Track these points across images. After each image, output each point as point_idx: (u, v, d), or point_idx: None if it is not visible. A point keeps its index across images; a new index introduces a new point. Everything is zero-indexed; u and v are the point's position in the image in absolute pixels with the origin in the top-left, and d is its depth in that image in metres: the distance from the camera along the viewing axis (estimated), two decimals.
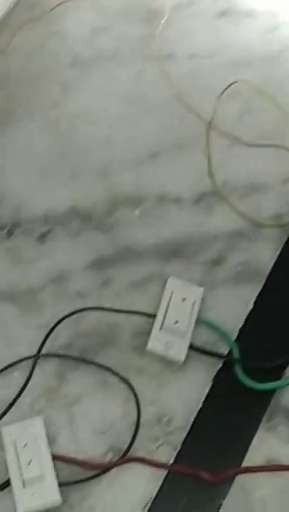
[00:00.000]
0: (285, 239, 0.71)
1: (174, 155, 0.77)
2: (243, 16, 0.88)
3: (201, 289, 0.66)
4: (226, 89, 0.78)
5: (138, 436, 0.61)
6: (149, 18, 0.88)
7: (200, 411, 0.62)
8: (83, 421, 0.62)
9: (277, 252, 0.70)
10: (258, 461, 0.60)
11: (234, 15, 0.88)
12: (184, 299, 0.64)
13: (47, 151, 0.78)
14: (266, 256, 0.70)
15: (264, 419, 0.61)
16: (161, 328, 0.63)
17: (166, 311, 0.63)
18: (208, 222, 0.72)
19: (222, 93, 0.78)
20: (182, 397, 0.62)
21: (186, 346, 0.62)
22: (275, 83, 0.81)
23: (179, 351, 0.62)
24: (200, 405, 0.62)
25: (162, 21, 0.87)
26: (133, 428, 0.61)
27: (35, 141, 0.78)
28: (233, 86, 0.80)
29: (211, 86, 0.81)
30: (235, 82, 0.79)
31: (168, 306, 0.64)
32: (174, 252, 0.70)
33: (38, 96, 0.82)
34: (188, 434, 0.61)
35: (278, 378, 0.63)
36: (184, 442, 0.60)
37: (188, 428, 0.61)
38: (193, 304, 0.64)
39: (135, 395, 0.62)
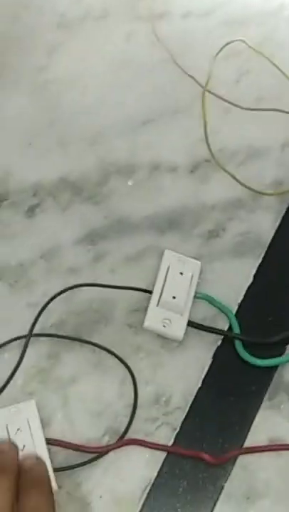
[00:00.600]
0: (285, 208, 0.68)
1: (168, 121, 0.73)
2: None
3: (198, 263, 0.63)
4: (221, 49, 0.74)
5: (135, 418, 0.58)
6: None
7: (199, 390, 0.59)
8: (78, 403, 0.59)
9: (278, 223, 0.67)
10: (260, 441, 0.57)
11: None
12: (181, 273, 0.61)
13: (34, 118, 0.73)
14: (266, 226, 0.67)
15: (266, 397, 0.59)
16: (158, 304, 0.60)
17: (163, 286, 0.60)
18: (204, 191, 0.69)
19: (217, 54, 0.74)
20: (181, 375, 0.60)
21: (185, 323, 0.60)
22: (275, 43, 0.77)
23: (177, 328, 0.59)
24: (199, 384, 0.60)
25: None
26: (130, 409, 0.58)
27: (21, 108, 0.74)
28: (229, 46, 0.76)
29: (206, 47, 0.76)
30: (231, 41, 0.75)
31: (165, 281, 0.61)
32: (170, 223, 0.67)
33: (23, 60, 0.78)
34: (187, 414, 0.58)
35: (280, 354, 0.60)
36: (183, 423, 0.58)
37: (187, 408, 0.59)
38: (192, 278, 0.61)
39: (132, 375, 0.59)
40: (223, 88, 0.73)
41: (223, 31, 0.78)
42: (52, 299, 0.61)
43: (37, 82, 0.77)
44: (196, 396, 0.59)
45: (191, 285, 0.61)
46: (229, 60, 0.76)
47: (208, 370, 0.60)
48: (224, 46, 0.75)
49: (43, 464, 0.53)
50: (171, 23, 0.79)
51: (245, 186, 0.68)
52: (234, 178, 0.68)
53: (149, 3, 0.80)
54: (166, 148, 0.71)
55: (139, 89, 0.75)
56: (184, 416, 0.58)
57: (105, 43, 0.79)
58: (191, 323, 0.60)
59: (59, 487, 0.55)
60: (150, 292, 0.61)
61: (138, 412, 0.59)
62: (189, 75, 0.73)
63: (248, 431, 0.58)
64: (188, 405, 0.59)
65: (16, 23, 0.80)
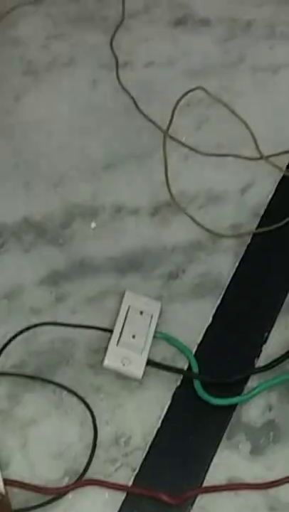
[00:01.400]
0: (243, 250, 0.70)
1: (131, 165, 0.75)
2: (200, 25, 0.87)
3: (158, 303, 0.64)
4: (182, 97, 0.77)
5: (95, 459, 0.58)
6: (105, 25, 0.86)
7: (159, 430, 0.60)
8: (38, 444, 0.59)
9: (236, 264, 0.69)
10: (219, 481, 0.58)
11: (190, 24, 0.87)
12: (141, 313, 0.62)
13: None
14: (225, 268, 0.68)
15: (224, 436, 0.60)
16: (118, 343, 0.61)
17: (123, 325, 0.62)
18: (165, 234, 0.70)
19: (178, 101, 0.77)
20: (140, 415, 0.61)
21: (144, 362, 0.61)
22: (233, 92, 0.80)
23: (136, 367, 0.60)
24: (159, 424, 0.60)
25: (118, 29, 0.85)
26: (90, 450, 0.58)
27: None
28: (190, 94, 0.79)
29: (168, 95, 0.79)
30: (192, 90, 0.78)
31: (125, 320, 0.62)
32: (131, 265, 0.68)
33: None
34: (146, 454, 0.59)
35: (239, 393, 0.61)
36: (142, 463, 0.58)
37: (146, 448, 0.59)
38: (151, 317, 0.63)
39: (92, 415, 0.60)
40: (184, 134, 0.76)
41: (184, 80, 0.81)
42: (12, 338, 0.62)
43: (3, 126, 0.79)
44: (155, 436, 0.60)
45: (151, 325, 0.62)
46: (190, 108, 0.79)
47: (168, 410, 0.61)
48: (185, 94, 0.78)
49: (8, 499, 0.53)
50: (135, 72, 0.82)
51: (205, 229, 0.70)
52: (194, 220, 0.70)
53: (114, 52, 0.83)
54: (128, 192, 0.73)
55: (103, 134, 0.77)
56: (143, 456, 0.59)
57: (71, 89, 0.82)
58: (150, 362, 0.61)
59: None
60: (110, 331, 0.62)
61: (98, 452, 0.59)
62: (151, 121, 0.76)
63: (207, 471, 0.58)
64: (148, 445, 0.59)
65: None
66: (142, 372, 0.60)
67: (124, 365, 0.60)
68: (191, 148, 0.75)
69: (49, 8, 0.88)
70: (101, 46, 0.84)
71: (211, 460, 0.59)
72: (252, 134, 0.75)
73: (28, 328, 0.63)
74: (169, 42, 0.85)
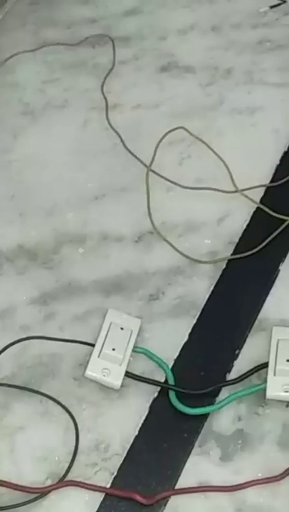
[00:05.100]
0: (218, 275, 0.75)
1: (117, 197, 0.82)
2: (183, 71, 0.94)
3: (138, 320, 0.70)
4: (164, 136, 0.84)
5: (76, 463, 0.63)
6: (97, 71, 0.94)
7: (136, 437, 0.65)
8: (24, 449, 0.64)
9: (212, 288, 0.74)
10: (190, 484, 0.62)
11: (175, 70, 0.94)
12: (122, 329, 0.68)
13: None
14: (201, 291, 0.74)
15: (196, 443, 0.64)
16: (99, 355, 0.67)
17: (105, 339, 0.67)
18: (147, 259, 0.77)
19: (161, 140, 0.84)
20: (120, 424, 0.65)
21: (123, 372, 0.66)
22: (213, 132, 0.87)
23: (115, 377, 0.65)
24: (136, 432, 0.65)
25: (108, 74, 0.93)
26: (72, 455, 0.63)
27: None
28: (173, 134, 0.86)
29: (153, 134, 0.86)
30: (174, 129, 0.85)
31: (106, 335, 0.68)
32: (115, 287, 0.74)
33: None
34: (124, 459, 0.64)
35: (210, 404, 0.66)
36: (120, 467, 0.63)
37: (124, 454, 0.64)
38: (131, 333, 0.68)
39: (75, 423, 0.65)
40: (167, 169, 0.83)
41: (168, 121, 0.88)
42: (3, 350, 0.67)
43: (1, 161, 0.86)
44: (132, 443, 0.64)
45: (131, 339, 0.68)
46: (173, 146, 0.86)
47: (145, 419, 0.66)
48: (167, 133, 0.85)
49: None
50: (123, 113, 0.90)
51: (184, 255, 0.76)
52: (174, 247, 0.77)
53: (105, 96, 0.91)
54: (114, 221, 0.80)
55: (92, 169, 0.84)
56: (121, 461, 0.63)
57: (64, 128, 0.89)
58: (130, 375, 0.67)
59: None
60: (93, 346, 0.67)
61: (79, 457, 0.64)
62: (136, 157, 0.83)
63: (179, 475, 0.63)
64: (126, 451, 0.64)
65: None
66: (120, 382, 0.66)
67: (104, 375, 0.65)
68: (172, 182, 0.81)
69: (45, 55, 0.96)
70: (93, 90, 0.92)
71: (184, 465, 0.63)
72: (228, 170, 0.82)
73: (19, 341, 0.68)
74: (155, 86, 0.93)
